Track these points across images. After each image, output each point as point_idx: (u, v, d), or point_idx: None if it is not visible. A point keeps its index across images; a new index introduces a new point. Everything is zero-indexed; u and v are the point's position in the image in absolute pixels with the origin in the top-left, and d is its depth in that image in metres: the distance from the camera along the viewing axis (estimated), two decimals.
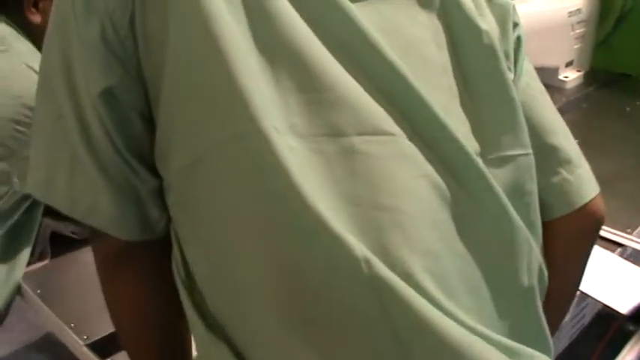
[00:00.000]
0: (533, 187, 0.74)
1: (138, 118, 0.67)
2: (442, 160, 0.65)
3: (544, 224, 0.78)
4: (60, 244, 1.34)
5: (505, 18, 0.76)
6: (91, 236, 0.73)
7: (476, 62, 0.71)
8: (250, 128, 0.59)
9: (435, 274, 0.62)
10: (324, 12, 0.63)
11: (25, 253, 1.27)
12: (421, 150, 0.64)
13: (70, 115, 0.66)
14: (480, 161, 0.67)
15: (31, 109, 1.06)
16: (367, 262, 0.58)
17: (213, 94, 0.61)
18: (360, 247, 0.59)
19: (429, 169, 0.64)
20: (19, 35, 1.21)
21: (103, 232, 0.70)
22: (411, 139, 0.64)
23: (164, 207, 0.71)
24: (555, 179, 0.80)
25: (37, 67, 0.96)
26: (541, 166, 0.76)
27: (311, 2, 0.63)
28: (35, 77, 0.91)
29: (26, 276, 1.28)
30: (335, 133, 0.61)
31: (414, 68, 0.65)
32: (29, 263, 1.29)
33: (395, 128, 0.63)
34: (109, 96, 0.65)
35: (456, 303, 0.63)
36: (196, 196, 0.64)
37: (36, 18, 1.26)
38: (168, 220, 0.72)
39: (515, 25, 0.78)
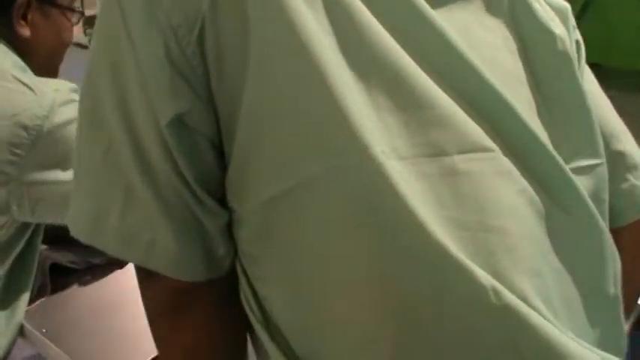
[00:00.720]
0: (606, 195, 0.73)
1: (208, 147, 0.61)
2: (534, 173, 0.62)
3: (611, 231, 0.75)
4: (57, 274, 1.27)
5: (566, 22, 0.74)
6: (141, 280, 0.66)
7: (550, 70, 0.68)
8: (359, 155, 0.54)
9: (541, 293, 0.59)
10: (408, 21, 0.59)
11: (26, 296, 1.18)
12: (515, 164, 0.61)
13: (125, 145, 0.60)
14: (570, 172, 0.65)
15: (27, 128, 0.97)
16: (495, 291, 0.55)
17: (309, 116, 0.55)
18: (485, 276, 0.55)
19: (524, 183, 0.61)
20: (8, 49, 1.11)
21: (160, 275, 0.63)
22: (505, 154, 0.61)
23: (231, 242, 0.65)
24: (625, 186, 0.78)
25: (25, 80, 0.98)
26: (610, 173, 0.74)
27: (394, 11, 0.59)
28: (28, 91, 0.83)
29: (28, 315, 1.19)
30: (436, 152, 0.57)
31: (497, 79, 0.62)
32: (29, 299, 1.20)
33: (492, 144, 0.60)
34: (177, 124, 0.59)
35: (558, 319, 0.61)
36: (283, 230, 0.59)
37: (25, 31, 1.16)
38: (235, 254, 0.66)
39: (574, 27, 0.76)
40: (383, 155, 0.54)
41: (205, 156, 0.61)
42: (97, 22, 0.60)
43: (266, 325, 0.64)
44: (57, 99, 0.98)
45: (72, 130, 0.97)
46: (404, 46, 0.58)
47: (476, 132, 0.59)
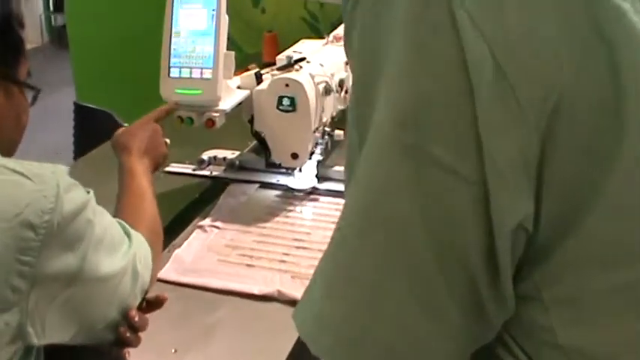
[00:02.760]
0: None
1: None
2: None
3: None
4: None
5: None
6: None
7: None
8: None
9: None
10: None
11: None
12: None
13: (439, 262, 0.50)
14: None
15: (34, 227, 0.77)
16: None
17: None
18: None
19: None
20: None
21: None
22: None
23: None
24: None
25: (16, 166, 0.80)
26: None
27: None
28: (25, 181, 0.76)
29: None
30: None
31: None
32: None
33: None
34: (519, 231, 0.51)
35: None
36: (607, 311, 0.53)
37: None
38: None
39: None
40: None
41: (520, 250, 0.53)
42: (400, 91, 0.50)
43: None
44: (60, 184, 0.80)
45: (84, 221, 0.81)
46: None
47: None
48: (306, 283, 1.16)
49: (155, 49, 2.91)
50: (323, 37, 1.69)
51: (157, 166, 1.25)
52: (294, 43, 1.65)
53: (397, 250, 0.51)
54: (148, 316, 0.94)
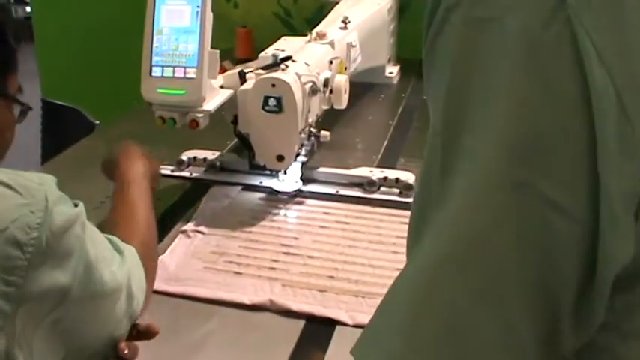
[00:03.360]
0: None
1: None
2: None
3: None
4: None
5: None
6: None
7: None
8: None
9: None
10: None
11: None
12: None
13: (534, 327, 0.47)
14: None
15: (21, 245, 0.70)
16: None
17: None
18: None
19: None
20: None
21: None
22: None
23: None
24: None
25: (2, 177, 0.73)
26: None
27: None
28: (11, 193, 0.70)
29: None
30: None
31: None
32: None
33: None
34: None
35: None
36: None
37: None
38: None
39: None
40: None
41: None
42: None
43: None
44: (49, 197, 0.73)
45: (74, 236, 0.75)
46: None
47: None
48: (298, 291, 1.15)
49: (126, 43, 2.84)
50: (303, 34, 1.64)
51: (154, 186, 1.20)
52: (268, 39, 1.60)
53: (491, 290, 0.46)
54: None
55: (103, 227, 0.88)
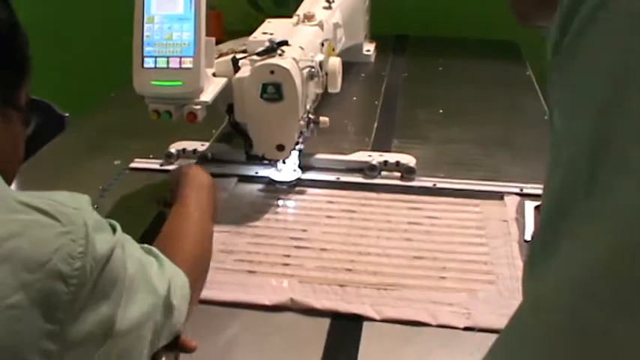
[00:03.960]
0: None
1: None
2: None
3: None
4: None
5: None
6: None
7: None
8: None
9: None
10: None
11: None
12: None
13: None
14: None
15: (64, 277, 0.64)
16: None
17: None
18: None
19: None
20: None
21: None
22: None
23: None
24: None
25: (37, 203, 0.67)
26: None
27: None
28: (49, 221, 0.64)
29: None
30: None
31: None
32: None
33: None
34: None
35: None
36: None
37: None
38: None
39: None
40: None
41: None
42: None
43: None
44: (88, 221, 0.68)
45: (117, 261, 0.70)
46: None
47: None
48: (317, 287, 1.10)
49: (98, 32, 2.74)
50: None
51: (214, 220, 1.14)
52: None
53: None
54: None
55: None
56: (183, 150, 1.51)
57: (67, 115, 2.05)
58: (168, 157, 1.49)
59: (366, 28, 2.16)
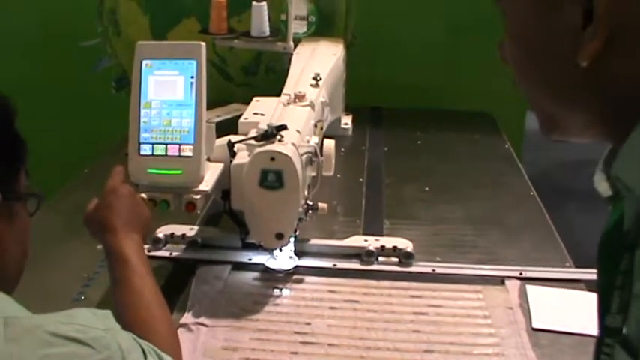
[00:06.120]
0: None
1: None
2: None
3: None
4: None
5: None
6: None
7: None
8: None
9: None
10: None
11: None
12: None
13: None
14: None
15: None
16: None
17: None
18: None
19: None
20: None
21: None
22: None
23: None
24: None
25: (68, 331, 0.65)
26: None
27: None
28: (84, 349, 0.63)
29: None
30: None
31: None
32: None
33: None
34: None
35: None
36: None
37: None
38: None
39: None
40: None
41: None
42: None
43: None
44: (122, 344, 0.67)
45: None
46: None
47: None
48: None
49: (62, 10, 2.56)
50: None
51: (146, 234, 1.12)
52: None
53: None
54: None
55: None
56: (172, 235, 1.45)
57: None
58: (156, 242, 1.43)
59: (343, 100, 2.15)
